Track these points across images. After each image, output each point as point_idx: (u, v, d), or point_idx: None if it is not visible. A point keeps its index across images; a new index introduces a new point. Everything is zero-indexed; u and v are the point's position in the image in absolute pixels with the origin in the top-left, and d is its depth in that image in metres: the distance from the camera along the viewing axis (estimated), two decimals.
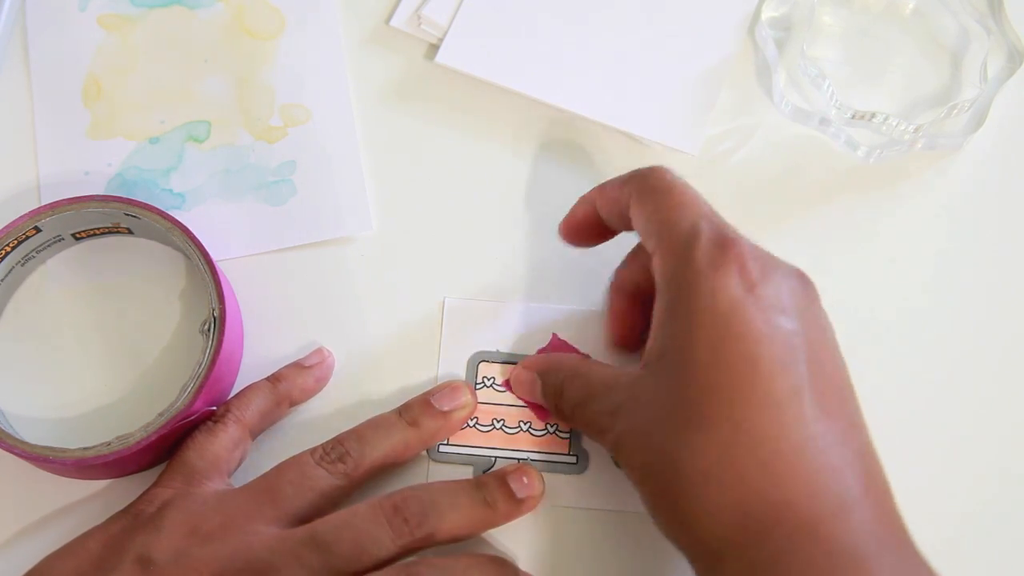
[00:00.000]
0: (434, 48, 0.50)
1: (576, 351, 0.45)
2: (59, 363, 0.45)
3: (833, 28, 0.51)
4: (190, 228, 0.43)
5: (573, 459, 0.43)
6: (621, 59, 0.49)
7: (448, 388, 0.43)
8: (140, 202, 0.44)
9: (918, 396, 0.45)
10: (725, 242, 0.35)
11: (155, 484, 0.41)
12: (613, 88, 0.49)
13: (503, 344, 0.45)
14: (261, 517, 0.38)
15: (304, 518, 0.39)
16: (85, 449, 0.40)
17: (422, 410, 0.42)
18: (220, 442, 0.41)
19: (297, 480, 0.39)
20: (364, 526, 0.37)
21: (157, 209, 0.44)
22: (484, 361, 0.45)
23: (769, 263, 0.36)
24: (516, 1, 0.50)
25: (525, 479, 0.40)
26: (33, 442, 0.40)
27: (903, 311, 0.46)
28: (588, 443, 0.44)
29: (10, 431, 0.41)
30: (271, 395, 0.43)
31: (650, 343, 0.37)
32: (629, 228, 0.40)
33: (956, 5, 0.51)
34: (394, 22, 0.50)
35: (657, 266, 0.37)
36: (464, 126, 0.49)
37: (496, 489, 0.40)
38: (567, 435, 0.44)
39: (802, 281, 0.36)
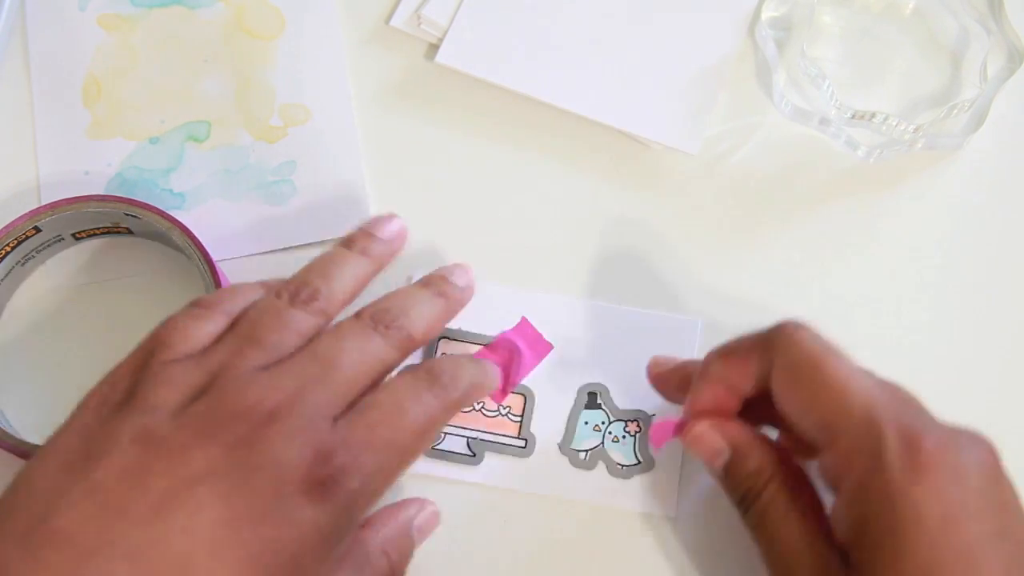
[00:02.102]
0: (434, 48, 0.50)
1: (541, 338, 0.45)
2: (59, 363, 0.45)
3: (833, 28, 0.51)
4: (190, 228, 0.43)
5: (522, 443, 0.44)
6: (621, 59, 0.49)
7: (383, 217, 0.41)
8: (140, 202, 0.44)
9: (919, 396, 0.45)
10: (914, 441, 0.32)
11: None
12: (613, 88, 0.49)
13: (467, 323, 0.45)
14: (255, 362, 0.35)
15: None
16: None
17: (366, 239, 0.40)
18: (189, 316, 0.38)
19: (277, 326, 0.36)
20: (357, 337, 0.36)
21: (157, 209, 0.44)
22: (445, 338, 0.45)
23: (959, 448, 0.33)
24: (516, 1, 0.50)
25: (459, 271, 0.41)
26: (34, 442, 0.40)
27: (903, 311, 0.46)
28: (536, 428, 0.44)
29: (11, 431, 0.41)
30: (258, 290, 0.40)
31: (848, 554, 0.34)
32: (769, 412, 0.37)
33: (956, 5, 0.51)
34: (394, 22, 0.50)
35: (829, 465, 0.34)
36: (464, 126, 0.49)
37: (442, 283, 0.40)
38: (518, 418, 0.44)
39: (990, 454, 0.34)
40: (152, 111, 0.49)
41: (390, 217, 0.42)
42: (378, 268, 0.41)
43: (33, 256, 0.45)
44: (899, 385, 0.36)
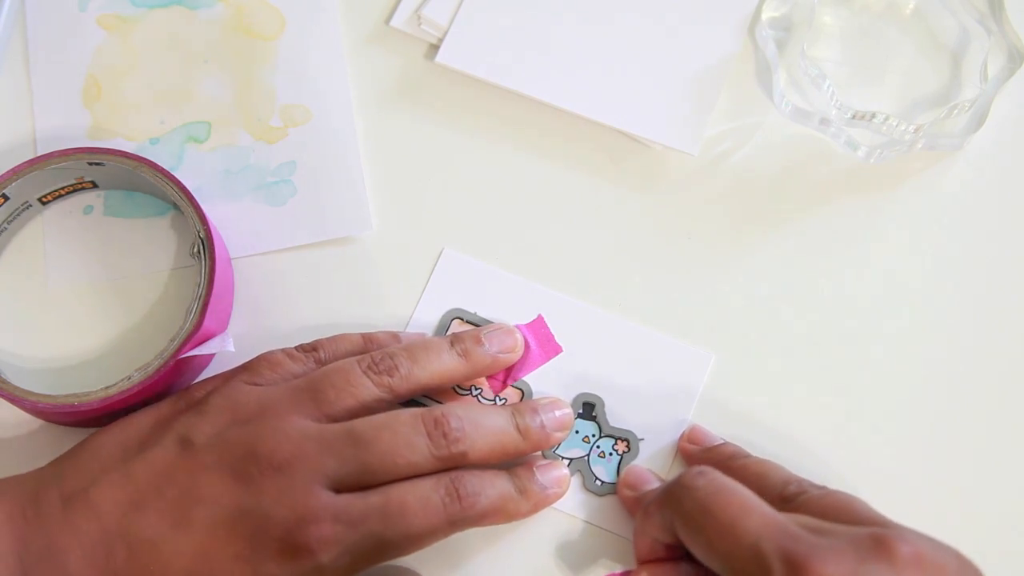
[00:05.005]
0: (434, 48, 0.50)
1: (552, 339, 0.45)
2: (54, 321, 0.45)
3: (833, 28, 0.51)
4: (157, 163, 0.43)
5: None
6: (621, 59, 0.49)
7: (501, 329, 0.43)
8: (101, 148, 0.44)
9: (918, 396, 0.45)
10: (800, 565, 0.32)
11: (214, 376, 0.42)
12: (613, 88, 0.49)
13: (484, 308, 0.45)
14: (300, 412, 0.38)
15: (340, 421, 0.39)
16: (107, 388, 0.40)
17: (473, 343, 0.42)
18: (286, 353, 0.42)
19: (341, 385, 0.39)
20: (403, 431, 0.38)
21: (120, 151, 0.44)
22: (458, 319, 0.45)
23: (850, 564, 0.32)
24: (516, 1, 0.50)
25: (557, 412, 0.42)
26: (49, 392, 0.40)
27: (903, 311, 0.46)
28: None
29: (29, 387, 0.41)
30: (359, 342, 0.43)
31: None
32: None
33: (956, 5, 0.51)
34: (394, 22, 0.50)
35: None
36: (464, 126, 0.49)
37: (530, 417, 0.41)
38: None
39: (882, 562, 0.32)
40: (152, 111, 0.49)
41: (509, 331, 0.43)
42: (472, 373, 0.42)
43: (5, 228, 0.45)
44: (831, 507, 0.36)
